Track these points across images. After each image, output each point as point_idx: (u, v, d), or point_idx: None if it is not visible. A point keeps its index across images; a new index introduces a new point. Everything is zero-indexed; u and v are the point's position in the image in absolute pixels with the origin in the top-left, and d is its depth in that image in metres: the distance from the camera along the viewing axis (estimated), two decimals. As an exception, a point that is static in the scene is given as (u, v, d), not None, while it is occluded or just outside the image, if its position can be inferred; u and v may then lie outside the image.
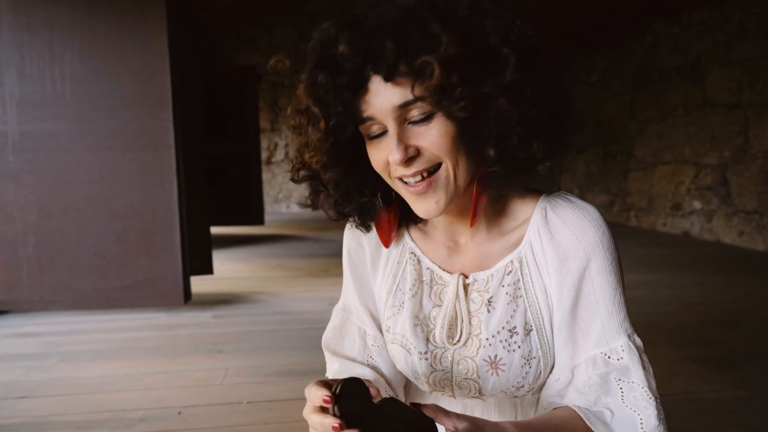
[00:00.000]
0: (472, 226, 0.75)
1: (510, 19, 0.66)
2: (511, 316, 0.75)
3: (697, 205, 5.46)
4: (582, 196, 7.54)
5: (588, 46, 7.14)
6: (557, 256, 0.73)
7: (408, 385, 0.92)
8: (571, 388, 0.74)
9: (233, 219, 6.08)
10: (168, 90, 2.79)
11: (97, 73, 2.78)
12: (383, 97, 0.65)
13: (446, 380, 0.80)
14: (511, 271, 0.76)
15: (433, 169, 0.68)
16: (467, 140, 0.68)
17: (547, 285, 0.75)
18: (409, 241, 0.84)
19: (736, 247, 4.92)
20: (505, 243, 0.77)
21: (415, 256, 0.83)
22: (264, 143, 8.35)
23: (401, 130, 0.67)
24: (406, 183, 0.70)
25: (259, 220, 6.17)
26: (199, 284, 3.50)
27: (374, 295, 0.87)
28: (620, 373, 0.71)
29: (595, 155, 7.23)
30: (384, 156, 0.69)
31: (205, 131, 3.70)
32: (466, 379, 0.78)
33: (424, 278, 0.82)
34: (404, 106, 0.65)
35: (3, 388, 2.05)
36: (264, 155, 8.39)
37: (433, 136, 0.66)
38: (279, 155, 8.63)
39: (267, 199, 8.47)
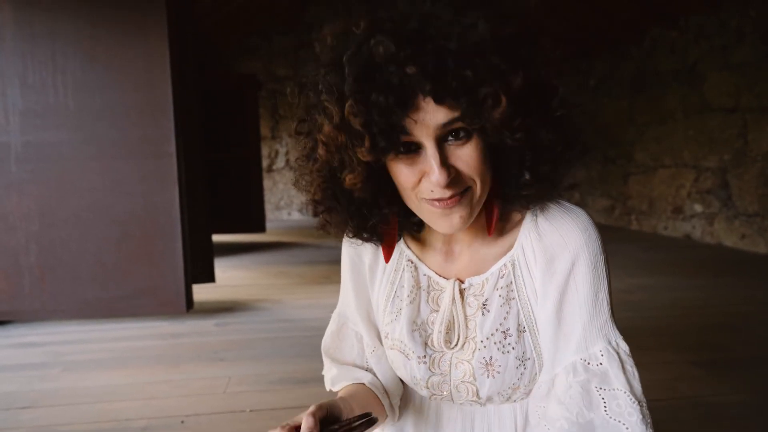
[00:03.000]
0: (490, 235, 0.77)
1: (552, 49, 0.68)
2: (505, 318, 0.76)
3: (698, 208, 5.46)
4: (582, 201, 7.55)
5: (586, 51, 7.16)
6: (544, 257, 0.74)
7: (405, 393, 0.92)
8: (552, 397, 0.73)
9: (234, 226, 6.08)
10: (169, 98, 2.80)
11: (99, 82, 2.80)
12: (430, 116, 0.63)
13: (444, 384, 0.81)
14: (504, 274, 0.77)
15: (464, 191, 0.68)
16: (496, 162, 0.70)
17: (537, 287, 0.76)
18: (406, 248, 0.85)
19: (738, 250, 4.92)
20: (499, 247, 0.79)
21: (412, 263, 0.84)
22: (265, 151, 8.37)
23: (441, 149, 0.66)
24: (432, 201, 0.69)
25: (260, 228, 6.18)
26: (200, 292, 3.50)
27: (372, 302, 0.89)
28: (601, 381, 0.71)
29: (595, 160, 7.24)
30: (415, 173, 0.67)
31: (205, 139, 3.72)
32: (463, 382, 0.79)
33: (421, 284, 0.83)
34: (448, 124, 0.64)
35: (5, 398, 2.05)
36: (265, 163, 8.40)
37: (469, 157, 0.66)
38: (280, 162, 8.65)
39: (268, 207, 8.48)
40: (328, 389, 0.93)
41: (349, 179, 0.69)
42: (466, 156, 0.66)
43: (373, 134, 0.63)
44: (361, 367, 0.90)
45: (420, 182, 0.68)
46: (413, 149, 0.67)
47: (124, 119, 2.80)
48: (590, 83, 7.29)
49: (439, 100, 0.62)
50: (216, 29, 7.28)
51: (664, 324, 2.80)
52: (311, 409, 0.69)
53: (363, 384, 0.87)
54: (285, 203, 8.70)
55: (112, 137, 2.81)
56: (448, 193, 0.67)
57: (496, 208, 0.75)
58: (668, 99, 5.78)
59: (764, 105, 4.62)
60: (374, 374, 0.89)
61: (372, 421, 0.74)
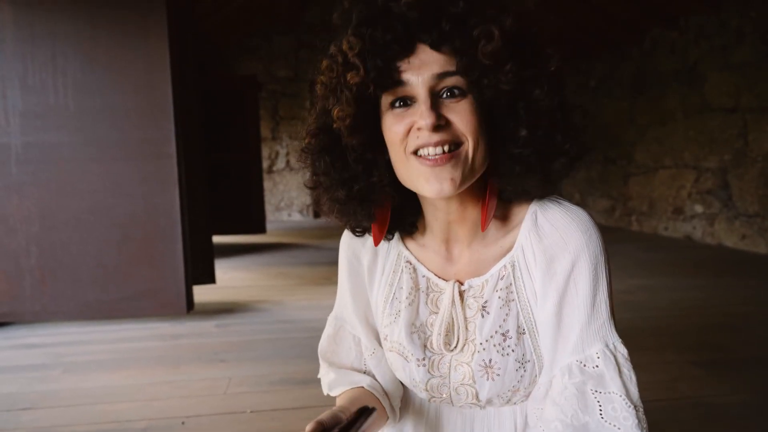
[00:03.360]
0: (483, 230, 0.76)
1: (549, 33, 0.71)
2: (504, 320, 0.76)
3: (699, 208, 5.46)
4: (583, 202, 7.55)
5: (586, 51, 7.16)
6: (544, 258, 0.73)
7: (404, 396, 0.92)
8: (548, 399, 0.73)
9: (235, 228, 6.08)
10: (169, 100, 2.80)
11: (99, 83, 2.80)
12: (425, 63, 0.66)
13: (443, 386, 0.80)
14: (504, 276, 0.76)
15: (455, 147, 0.68)
16: (488, 127, 0.70)
17: (537, 288, 0.75)
18: (405, 250, 0.84)
19: (739, 250, 4.91)
20: (499, 248, 0.78)
21: (411, 264, 0.83)
22: (265, 152, 8.38)
23: (433, 99, 0.67)
24: (421, 157, 0.68)
25: (260, 229, 6.18)
26: (201, 293, 3.50)
27: (371, 304, 0.88)
28: (596, 383, 0.70)
29: (595, 160, 7.25)
30: (405, 125, 0.68)
31: (206, 140, 3.72)
32: (462, 384, 0.78)
33: (420, 286, 0.82)
34: (442, 76, 0.66)
35: (6, 399, 2.05)
36: (265, 164, 8.41)
37: (463, 111, 0.67)
38: (280, 164, 8.65)
39: (268, 208, 8.48)
40: (325, 393, 0.91)
41: (336, 112, 0.70)
42: (459, 110, 0.67)
43: (367, 67, 0.66)
44: (359, 370, 0.90)
45: (409, 134, 0.69)
46: (408, 103, 0.69)
47: (124, 120, 2.81)
48: (590, 84, 7.29)
49: (435, 46, 0.65)
50: (216, 30, 7.29)
51: (664, 324, 2.80)
52: (310, 426, 0.67)
53: (362, 387, 0.86)
54: (285, 204, 8.70)
55: (112, 139, 2.81)
56: (434, 138, 0.67)
57: (492, 197, 0.74)
58: (668, 99, 5.78)
59: (764, 105, 4.62)
60: (373, 377, 0.89)
61: (369, 411, 0.74)
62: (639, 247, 5.29)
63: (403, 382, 0.86)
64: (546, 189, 0.75)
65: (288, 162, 8.64)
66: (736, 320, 2.86)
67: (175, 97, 2.82)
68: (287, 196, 8.68)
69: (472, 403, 0.80)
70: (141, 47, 2.79)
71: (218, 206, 5.25)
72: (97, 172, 2.82)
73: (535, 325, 0.75)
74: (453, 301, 0.78)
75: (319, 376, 0.94)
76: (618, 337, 0.72)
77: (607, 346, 0.71)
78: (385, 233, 0.80)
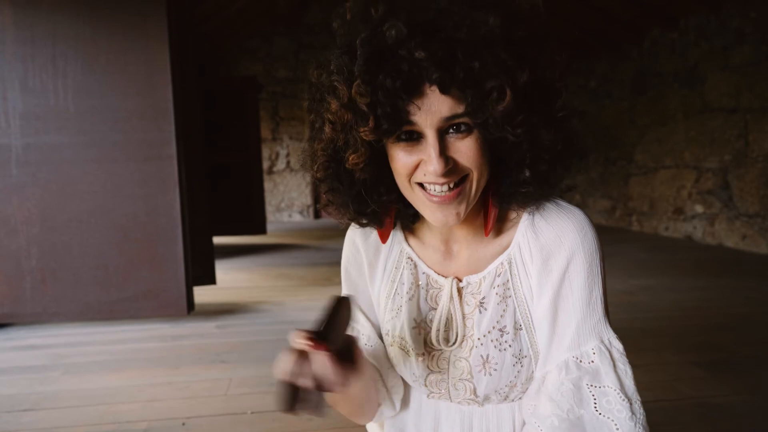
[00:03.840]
0: (487, 235, 0.78)
1: (558, 50, 0.69)
2: (501, 316, 0.77)
3: (699, 209, 5.46)
4: (583, 202, 7.55)
5: (586, 52, 7.17)
6: (541, 256, 0.75)
7: (405, 394, 0.92)
8: (543, 394, 0.74)
9: (235, 228, 6.09)
10: (170, 101, 2.81)
11: (99, 85, 2.80)
12: (434, 106, 0.65)
13: (442, 382, 0.82)
14: (501, 273, 0.78)
15: (460, 181, 0.69)
16: (496, 160, 0.72)
17: (533, 285, 0.77)
18: (406, 246, 0.86)
19: (739, 250, 4.91)
20: (497, 246, 0.80)
21: (412, 260, 0.85)
22: (265, 153, 8.38)
23: (441, 140, 0.67)
24: (426, 190, 0.70)
25: (261, 230, 6.18)
26: (202, 294, 3.50)
27: (372, 299, 0.90)
28: (592, 378, 0.71)
29: (596, 161, 7.24)
30: (413, 161, 0.69)
31: (206, 141, 3.72)
32: (461, 379, 0.80)
33: (420, 282, 0.84)
34: (451, 118, 0.66)
35: (7, 401, 2.05)
36: (265, 165, 8.41)
37: (469, 150, 0.68)
38: (280, 165, 8.65)
39: (269, 209, 8.49)
40: None
41: (352, 159, 0.70)
42: (465, 148, 0.68)
43: (377, 116, 0.65)
44: None
45: (416, 169, 0.70)
46: (414, 137, 0.69)
47: (124, 122, 2.81)
48: (591, 85, 7.29)
49: (444, 90, 0.64)
50: (216, 32, 7.30)
51: (664, 324, 2.80)
52: (299, 337, 0.67)
53: None
54: (286, 205, 8.71)
55: (112, 140, 2.81)
56: (441, 180, 0.68)
57: (494, 208, 0.76)
58: (669, 100, 5.78)
59: (765, 105, 4.61)
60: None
61: (345, 299, 0.72)
62: (639, 247, 5.29)
63: (404, 377, 0.88)
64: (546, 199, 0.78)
65: (288, 163, 8.65)
66: (736, 321, 2.85)
67: (175, 98, 2.82)
68: (287, 197, 8.68)
69: (470, 399, 0.81)
70: (141, 49, 2.79)
71: (219, 207, 5.26)
72: (98, 173, 2.82)
73: (532, 321, 0.77)
74: (451, 297, 0.80)
75: None
76: (613, 333, 0.74)
77: (602, 341, 0.73)
78: (390, 230, 0.83)
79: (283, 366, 0.66)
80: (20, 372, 2.35)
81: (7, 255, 2.82)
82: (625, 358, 0.73)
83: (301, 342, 0.65)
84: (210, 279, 3.58)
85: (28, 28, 2.76)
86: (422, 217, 0.84)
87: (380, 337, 0.90)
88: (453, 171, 0.68)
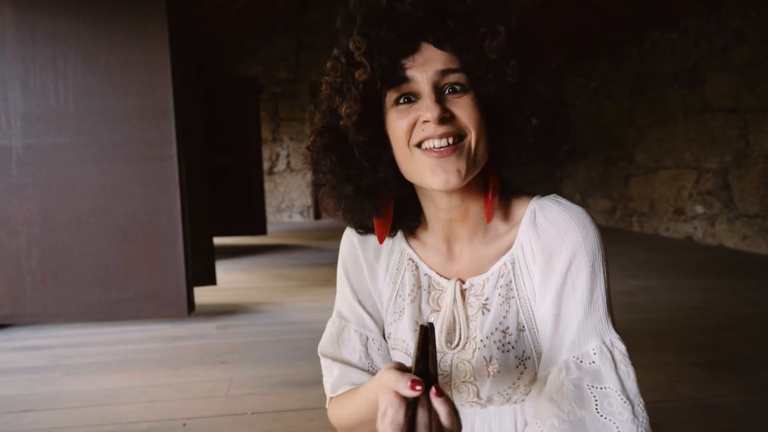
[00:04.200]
0: (489, 221, 0.77)
1: (547, 49, 0.74)
2: (504, 317, 0.76)
3: (700, 209, 5.46)
4: (584, 202, 7.55)
5: (586, 52, 7.17)
6: (543, 255, 0.74)
7: None
8: (544, 395, 0.73)
9: (235, 229, 6.09)
10: (170, 102, 2.81)
11: (100, 85, 2.80)
12: (429, 60, 0.69)
13: (445, 384, 0.81)
14: (504, 273, 0.77)
15: (458, 140, 0.70)
16: (490, 122, 0.73)
17: (536, 285, 0.76)
18: (407, 247, 0.85)
19: (740, 251, 4.91)
20: (500, 246, 0.79)
21: (413, 262, 0.84)
22: (265, 153, 8.38)
23: (438, 94, 0.69)
24: (426, 150, 0.70)
25: (261, 230, 6.18)
26: (202, 295, 3.50)
27: (374, 301, 0.88)
28: (593, 379, 0.70)
29: (596, 161, 7.24)
30: (409, 120, 0.70)
31: (207, 142, 3.72)
32: (464, 382, 0.79)
33: (422, 284, 0.83)
34: (446, 73, 0.69)
35: (7, 401, 2.05)
36: (266, 165, 8.41)
37: (466, 107, 0.70)
38: (281, 165, 8.65)
39: (269, 209, 8.48)
40: (328, 397, 0.89)
41: (344, 109, 0.71)
42: (462, 104, 0.70)
43: (373, 65, 0.68)
44: (362, 370, 0.88)
45: (414, 128, 0.71)
46: (411, 100, 0.71)
47: (125, 122, 2.81)
48: (591, 85, 7.29)
49: (439, 44, 0.68)
50: (216, 32, 7.30)
51: (665, 325, 2.80)
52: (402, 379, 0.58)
53: None
54: (286, 206, 8.71)
55: (113, 140, 2.82)
56: (440, 130, 0.69)
57: (495, 192, 0.76)
58: (669, 100, 5.78)
59: (765, 106, 4.61)
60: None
61: (430, 326, 0.61)
62: (640, 247, 5.29)
63: None
64: (548, 176, 0.79)
65: (289, 163, 8.65)
66: (737, 321, 2.85)
67: (175, 98, 2.83)
68: (288, 198, 8.68)
69: (473, 401, 0.80)
70: (142, 49, 2.79)
71: (219, 208, 5.25)
72: (98, 173, 2.82)
73: (535, 322, 0.76)
74: (455, 299, 0.79)
75: (323, 371, 0.91)
76: (615, 334, 0.73)
77: (603, 342, 0.72)
78: (388, 230, 0.82)
79: (396, 420, 0.57)
80: (21, 373, 2.35)
81: (8, 255, 2.82)
82: (627, 360, 0.72)
83: (412, 390, 0.57)
84: (210, 280, 3.58)
85: (29, 28, 2.76)
86: (423, 218, 0.84)
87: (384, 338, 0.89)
88: (450, 123, 0.69)
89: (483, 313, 0.78)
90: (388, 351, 0.88)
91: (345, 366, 0.87)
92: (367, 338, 0.88)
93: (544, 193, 0.80)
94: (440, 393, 0.57)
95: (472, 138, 0.70)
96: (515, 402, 0.80)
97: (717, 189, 5.21)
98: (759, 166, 4.71)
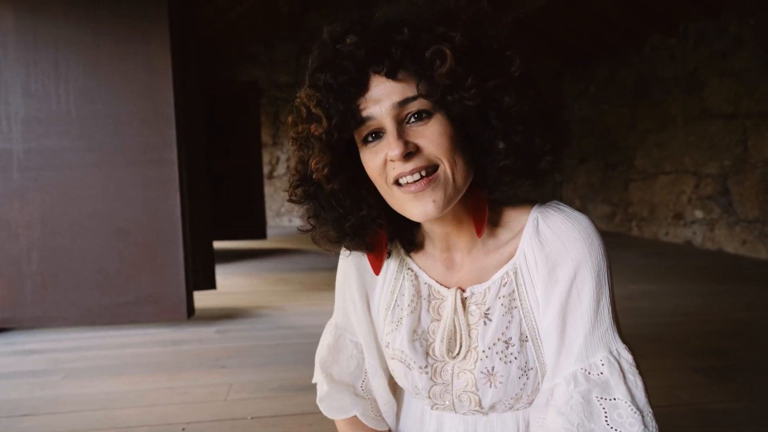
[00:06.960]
0: (479, 236, 0.75)
1: (508, 31, 0.69)
2: (507, 327, 0.75)
3: (699, 214, 5.46)
4: (583, 207, 7.55)
5: (586, 57, 7.19)
6: (546, 265, 0.73)
7: (406, 403, 0.92)
8: (552, 408, 0.72)
9: (235, 233, 6.08)
10: (171, 106, 2.82)
11: (101, 89, 2.81)
12: (384, 95, 0.67)
13: (446, 393, 0.80)
14: (506, 283, 0.76)
15: (432, 170, 0.68)
16: (466, 141, 0.70)
17: (539, 295, 0.75)
18: (407, 257, 0.84)
19: (739, 256, 4.91)
20: (501, 255, 0.78)
21: (413, 271, 0.83)
22: (266, 157, 8.39)
23: (400, 127, 0.67)
24: (401, 186, 0.69)
25: (261, 234, 6.18)
26: (202, 299, 3.50)
27: (371, 311, 0.88)
28: (602, 390, 0.69)
29: (596, 166, 7.25)
30: (380, 158, 0.69)
31: (207, 146, 3.73)
32: (465, 391, 0.78)
33: (422, 293, 0.82)
34: (404, 103, 0.67)
35: (7, 405, 2.05)
36: (266, 169, 8.42)
37: (432, 134, 0.67)
38: (281, 169, 8.66)
39: (269, 213, 8.49)
40: (318, 401, 0.94)
41: (313, 164, 0.71)
42: (428, 133, 0.68)
43: (329, 115, 0.67)
44: (351, 387, 0.91)
45: (386, 165, 0.70)
46: (380, 135, 0.69)
47: (126, 127, 2.82)
48: (591, 90, 7.31)
49: (391, 74, 0.66)
50: (218, 36, 7.32)
51: (665, 330, 2.79)
52: None
53: (355, 417, 0.91)
54: (286, 210, 8.71)
55: (114, 144, 2.82)
56: (409, 167, 0.67)
57: (481, 209, 0.75)
58: (669, 105, 5.80)
59: (764, 111, 4.63)
60: (370, 393, 0.91)
61: None
62: (639, 252, 5.29)
63: (406, 390, 0.86)
64: (537, 189, 0.76)
65: (289, 168, 8.66)
66: (736, 326, 2.85)
67: (176, 103, 2.84)
68: (288, 202, 8.68)
69: (474, 410, 0.80)
70: (143, 53, 2.80)
71: (219, 212, 5.26)
72: (99, 177, 2.82)
73: (538, 332, 0.75)
74: (455, 308, 0.78)
75: (313, 381, 0.97)
76: (622, 344, 0.72)
77: (611, 352, 0.71)
78: (383, 260, 0.82)
79: None
80: (20, 377, 2.35)
81: (8, 259, 2.82)
82: (635, 369, 0.71)
83: None
84: (210, 284, 3.58)
85: (31, 32, 2.77)
86: (421, 227, 0.83)
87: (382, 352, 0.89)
88: (418, 157, 0.67)
89: (485, 323, 0.77)
90: (385, 360, 0.88)
91: (334, 386, 0.91)
92: (362, 348, 0.90)
93: (543, 199, 0.79)
94: None
95: (446, 167, 0.68)
96: (517, 410, 0.80)
97: (716, 194, 5.21)
98: (758, 171, 4.72)
